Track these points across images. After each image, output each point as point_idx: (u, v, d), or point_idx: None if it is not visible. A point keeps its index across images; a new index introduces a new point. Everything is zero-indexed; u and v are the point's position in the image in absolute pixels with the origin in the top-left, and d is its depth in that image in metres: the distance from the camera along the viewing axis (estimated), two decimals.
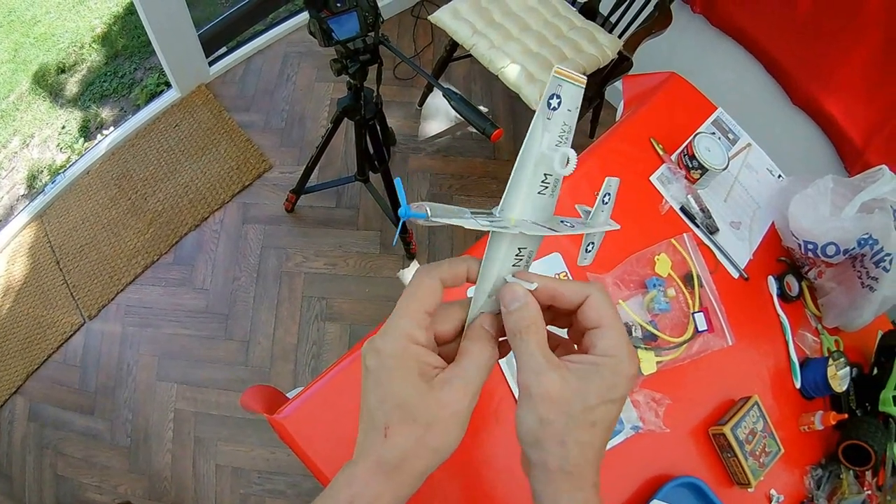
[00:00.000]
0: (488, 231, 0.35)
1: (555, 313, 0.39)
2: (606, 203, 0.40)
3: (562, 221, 0.38)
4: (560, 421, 0.34)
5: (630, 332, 0.82)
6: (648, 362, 0.80)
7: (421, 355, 0.36)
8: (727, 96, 1.07)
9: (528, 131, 0.33)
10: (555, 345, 0.39)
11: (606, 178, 0.41)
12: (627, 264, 0.87)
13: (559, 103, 0.33)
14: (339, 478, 0.36)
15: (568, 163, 0.32)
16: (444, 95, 1.04)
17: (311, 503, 0.36)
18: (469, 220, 0.33)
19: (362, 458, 0.35)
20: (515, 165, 0.33)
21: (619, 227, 0.38)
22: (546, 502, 0.35)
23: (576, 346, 0.40)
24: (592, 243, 0.40)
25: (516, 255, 0.36)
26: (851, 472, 0.87)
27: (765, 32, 1.56)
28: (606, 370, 0.35)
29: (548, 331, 0.37)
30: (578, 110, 0.34)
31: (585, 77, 0.34)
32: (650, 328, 0.83)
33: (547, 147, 0.33)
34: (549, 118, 0.33)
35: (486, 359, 0.37)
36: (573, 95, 0.33)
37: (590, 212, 0.42)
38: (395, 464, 0.35)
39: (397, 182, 0.38)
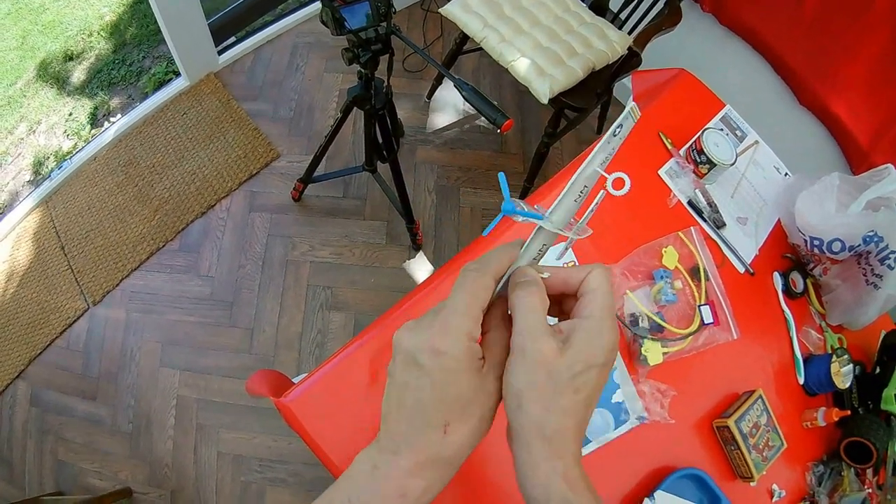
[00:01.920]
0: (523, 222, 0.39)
1: (562, 303, 0.41)
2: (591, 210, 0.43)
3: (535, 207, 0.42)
4: (548, 386, 0.35)
5: (637, 323, 0.83)
6: (655, 353, 0.80)
7: (477, 352, 0.36)
8: (734, 94, 1.07)
9: (589, 157, 0.37)
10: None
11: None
12: (635, 255, 0.87)
13: (619, 132, 0.37)
14: (380, 468, 0.36)
15: (622, 186, 0.38)
16: (455, 86, 1.04)
17: (347, 491, 0.36)
18: (543, 222, 0.38)
19: (409, 448, 0.36)
20: (569, 183, 0.38)
21: (591, 232, 0.41)
22: (526, 470, 0.35)
23: None
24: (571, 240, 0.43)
25: (539, 251, 0.40)
26: (853, 469, 0.87)
27: (773, 32, 1.57)
28: (589, 332, 0.36)
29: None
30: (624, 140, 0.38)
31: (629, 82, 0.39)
32: (657, 319, 0.83)
33: (598, 164, 0.37)
34: (609, 142, 0.37)
35: (506, 342, 0.38)
36: (629, 127, 0.38)
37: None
38: (450, 457, 0.36)
39: (501, 176, 0.42)
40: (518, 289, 0.37)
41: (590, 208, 0.40)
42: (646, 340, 0.81)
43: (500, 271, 0.38)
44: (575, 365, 0.35)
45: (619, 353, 0.66)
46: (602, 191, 0.41)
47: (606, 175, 0.38)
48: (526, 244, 0.39)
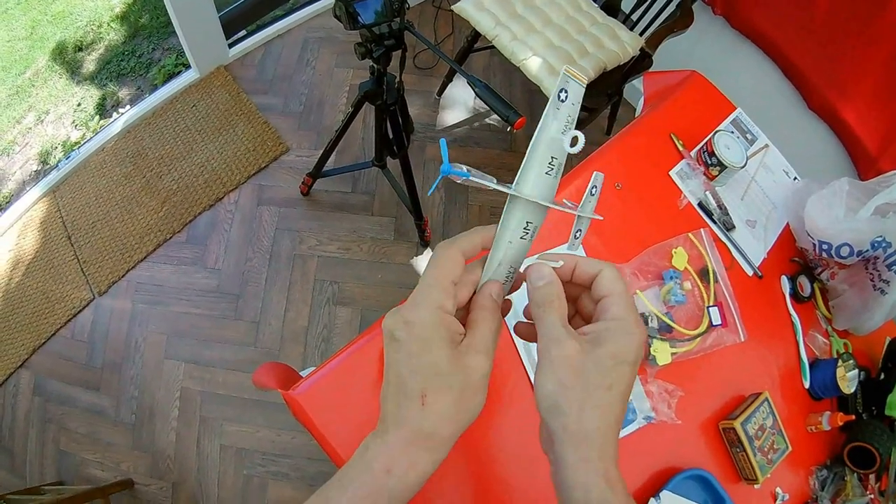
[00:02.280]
0: (505, 195, 0.39)
1: (577, 301, 0.42)
2: (594, 195, 0.44)
3: (564, 201, 0.42)
4: (578, 385, 0.36)
5: (646, 322, 0.83)
6: (664, 353, 0.80)
7: (451, 324, 0.37)
8: (744, 97, 1.08)
9: (541, 119, 0.37)
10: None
11: (594, 173, 0.44)
12: (645, 255, 0.88)
13: (566, 97, 0.38)
14: (370, 448, 0.37)
15: (576, 143, 0.37)
16: (468, 83, 1.05)
17: (340, 474, 0.37)
18: (495, 185, 0.38)
19: (395, 427, 0.37)
20: (529, 148, 0.38)
21: (601, 218, 0.43)
22: (565, 471, 0.36)
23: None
24: (580, 230, 0.44)
25: (524, 228, 0.40)
26: (856, 474, 0.87)
27: (783, 37, 1.57)
28: (617, 333, 0.37)
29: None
30: (580, 105, 0.39)
31: (587, 79, 0.39)
32: (666, 319, 0.84)
33: (556, 132, 0.38)
34: (558, 108, 0.38)
35: (497, 326, 0.39)
36: (577, 92, 0.38)
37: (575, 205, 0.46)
38: (432, 430, 0.36)
39: (442, 142, 0.41)
40: (536, 294, 0.39)
41: (586, 192, 0.41)
42: (655, 340, 0.81)
43: (470, 247, 0.40)
44: (604, 362, 0.36)
45: None
46: (600, 174, 0.43)
47: (570, 150, 0.38)
48: (503, 216, 0.39)
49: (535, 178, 0.38)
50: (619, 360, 0.36)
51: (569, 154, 0.39)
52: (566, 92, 0.37)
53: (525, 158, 0.38)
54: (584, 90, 0.39)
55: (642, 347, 0.37)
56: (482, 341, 0.38)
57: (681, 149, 0.98)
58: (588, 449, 0.35)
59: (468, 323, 0.39)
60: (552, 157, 0.38)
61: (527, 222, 0.39)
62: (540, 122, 0.37)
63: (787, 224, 1.02)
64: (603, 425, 0.35)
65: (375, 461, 0.36)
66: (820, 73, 1.52)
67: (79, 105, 2.26)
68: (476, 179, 0.37)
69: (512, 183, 0.39)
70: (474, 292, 0.40)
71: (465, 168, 0.36)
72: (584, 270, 0.40)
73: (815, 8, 1.43)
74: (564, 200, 0.42)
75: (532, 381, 0.74)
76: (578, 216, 0.43)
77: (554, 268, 0.40)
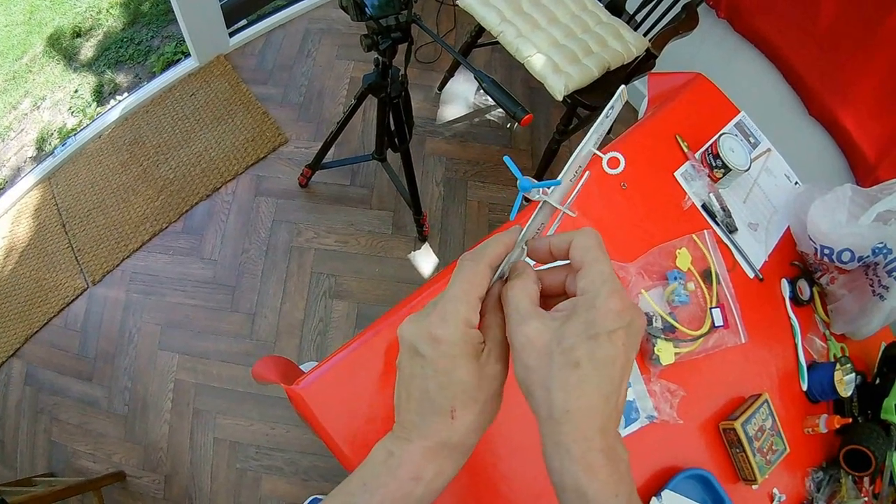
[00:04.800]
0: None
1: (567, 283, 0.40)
2: (609, 117, 0.42)
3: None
4: (542, 366, 0.34)
5: (651, 322, 0.83)
6: (667, 353, 0.81)
7: (474, 337, 0.37)
8: (745, 101, 1.08)
9: (586, 137, 0.39)
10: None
11: (622, 87, 0.42)
12: (650, 255, 0.88)
13: (610, 113, 0.39)
14: (395, 454, 0.38)
15: (619, 165, 0.39)
16: (475, 77, 1.04)
17: (363, 478, 0.38)
18: (551, 199, 0.40)
19: (420, 437, 0.37)
20: (569, 163, 0.39)
21: (574, 214, 0.42)
22: (545, 454, 0.35)
23: None
24: (580, 168, 0.43)
25: (537, 230, 0.41)
26: (851, 477, 0.88)
27: (786, 42, 1.58)
28: (582, 308, 0.34)
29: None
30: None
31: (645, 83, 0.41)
32: (670, 319, 0.84)
33: (593, 145, 0.39)
34: (602, 123, 0.39)
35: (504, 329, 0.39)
36: (618, 110, 0.40)
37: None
38: (459, 442, 0.37)
39: (506, 159, 0.44)
40: (508, 282, 0.39)
41: (576, 189, 0.41)
42: (659, 340, 0.81)
43: (497, 259, 0.39)
44: (567, 339, 0.33)
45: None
46: (586, 172, 0.43)
47: (602, 155, 0.40)
48: (529, 222, 0.40)
49: (564, 185, 0.40)
50: (586, 335, 0.33)
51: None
52: (613, 109, 0.39)
53: (565, 169, 0.39)
54: (622, 107, 0.41)
55: (622, 313, 0.33)
56: (498, 347, 0.38)
57: (686, 150, 0.98)
58: (559, 433, 0.33)
59: (482, 328, 0.39)
60: (579, 167, 0.40)
61: (541, 224, 0.40)
62: (584, 139, 0.39)
63: (789, 228, 1.02)
64: (575, 407, 0.33)
65: (401, 469, 0.37)
66: (821, 78, 1.52)
67: (76, 92, 2.23)
68: (549, 200, 0.39)
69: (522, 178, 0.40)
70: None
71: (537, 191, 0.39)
72: (559, 247, 0.38)
73: (818, 14, 1.43)
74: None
75: None
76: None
77: (532, 248, 0.40)
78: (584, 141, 0.39)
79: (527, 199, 0.40)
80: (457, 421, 0.37)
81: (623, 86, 0.40)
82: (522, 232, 0.40)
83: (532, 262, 0.41)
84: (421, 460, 0.37)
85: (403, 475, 0.37)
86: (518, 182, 0.39)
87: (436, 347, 0.36)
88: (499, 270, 0.40)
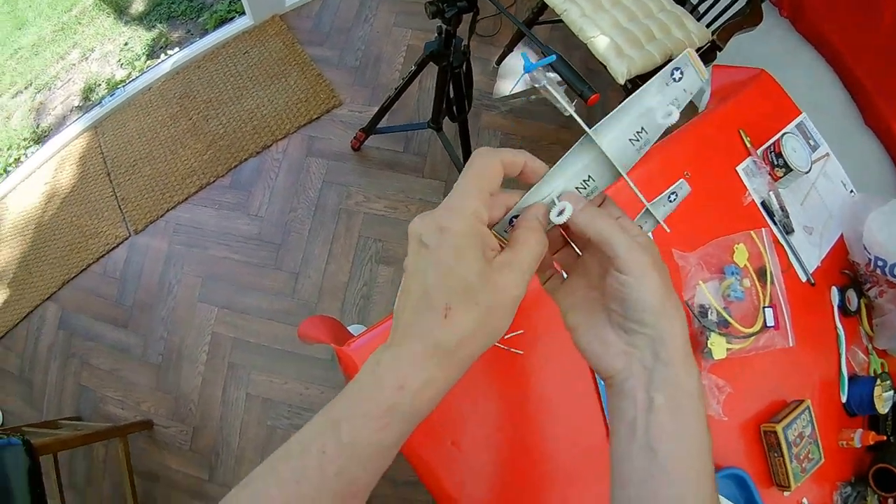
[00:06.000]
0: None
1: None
2: (672, 202, 0.42)
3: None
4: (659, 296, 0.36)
5: (706, 315, 0.83)
6: (720, 347, 0.81)
7: (486, 235, 0.34)
8: (801, 103, 1.06)
9: (644, 86, 0.35)
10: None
11: (681, 180, 0.42)
12: (709, 247, 0.87)
13: (679, 78, 0.36)
14: (382, 362, 0.34)
15: (670, 115, 0.35)
16: (542, 52, 1.01)
17: (348, 391, 0.34)
18: (572, 111, 0.36)
19: (410, 340, 0.33)
20: (620, 106, 0.35)
21: (669, 230, 0.40)
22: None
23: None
24: (641, 227, 0.40)
25: (584, 180, 0.37)
26: (877, 496, 0.88)
27: (847, 46, 1.54)
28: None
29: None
30: (690, 97, 0.36)
31: (708, 74, 0.38)
32: (724, 314, 0.83)
33: (656, 104, 0.36)
34: (667, 83, 0.36)
35: (540, 250, 0.36)
36: (693, 80, 0.36)
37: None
38: (451, 347, 0.33)
39: (523, 55, 0.42)
40: (607, 209, 0.38)
41: (665, 193, 0.39)
42: (713, 334, 0.81)
43: (511, 160, 0.36)
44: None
45: None
46: (686, 185, 0.41)
47: (664, 122, 0.36)
48: (566, 155, 0.36)
49: (616, 136, 0.35)
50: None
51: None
52: (681, 73, 0.35)
53: (612, 114, 0.35)
54: (700, 82, 0.36)
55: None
56: (521, 261, 0.35)
57: (748, 146, 0.96)
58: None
59: (511, 240, 0.36)
60: (641, 128, 0.36)
61: (588, 175, 0.36)
62: (641, 89, 0.35)
63: (842, 235, 1.01)
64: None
65: (387, 376, 0.33)
66: (881, 88, 1.48)
67: (125, 44, 2.23)
68: (550, 89, 0.35)
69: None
70: (503, 216, 0.38)
71: (546, 73, 0.35)
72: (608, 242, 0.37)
73: (880, 21, 1.39)
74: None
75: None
76: (647, 210, 0.40)
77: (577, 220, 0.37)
78: (640, 90, 0.35)
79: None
80: (449, 320, 0.32)
81: (689, 49, 0.37)
82: (554, 167, 0.37)
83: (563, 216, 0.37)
84: (408, 367, 0.33)
85: (388, 384, 0.33)
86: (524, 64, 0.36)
87: (441, 237, 0.33)
88: (532, 203, 0.37)
